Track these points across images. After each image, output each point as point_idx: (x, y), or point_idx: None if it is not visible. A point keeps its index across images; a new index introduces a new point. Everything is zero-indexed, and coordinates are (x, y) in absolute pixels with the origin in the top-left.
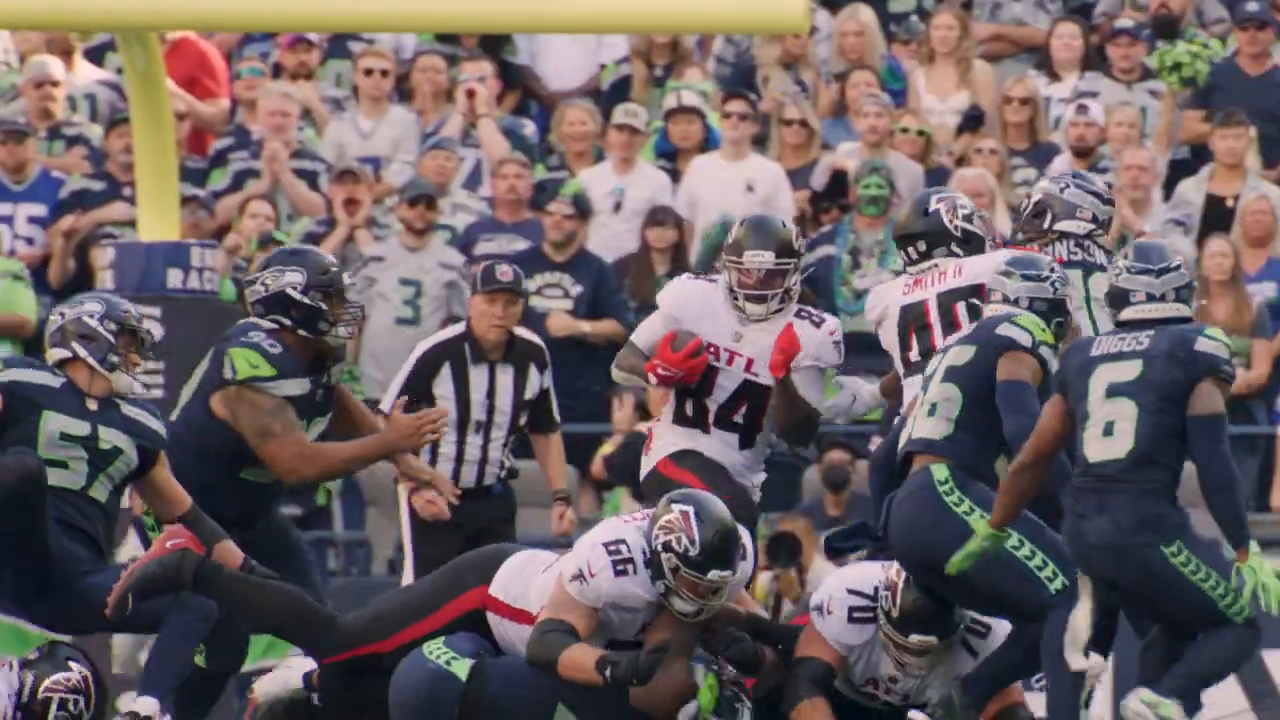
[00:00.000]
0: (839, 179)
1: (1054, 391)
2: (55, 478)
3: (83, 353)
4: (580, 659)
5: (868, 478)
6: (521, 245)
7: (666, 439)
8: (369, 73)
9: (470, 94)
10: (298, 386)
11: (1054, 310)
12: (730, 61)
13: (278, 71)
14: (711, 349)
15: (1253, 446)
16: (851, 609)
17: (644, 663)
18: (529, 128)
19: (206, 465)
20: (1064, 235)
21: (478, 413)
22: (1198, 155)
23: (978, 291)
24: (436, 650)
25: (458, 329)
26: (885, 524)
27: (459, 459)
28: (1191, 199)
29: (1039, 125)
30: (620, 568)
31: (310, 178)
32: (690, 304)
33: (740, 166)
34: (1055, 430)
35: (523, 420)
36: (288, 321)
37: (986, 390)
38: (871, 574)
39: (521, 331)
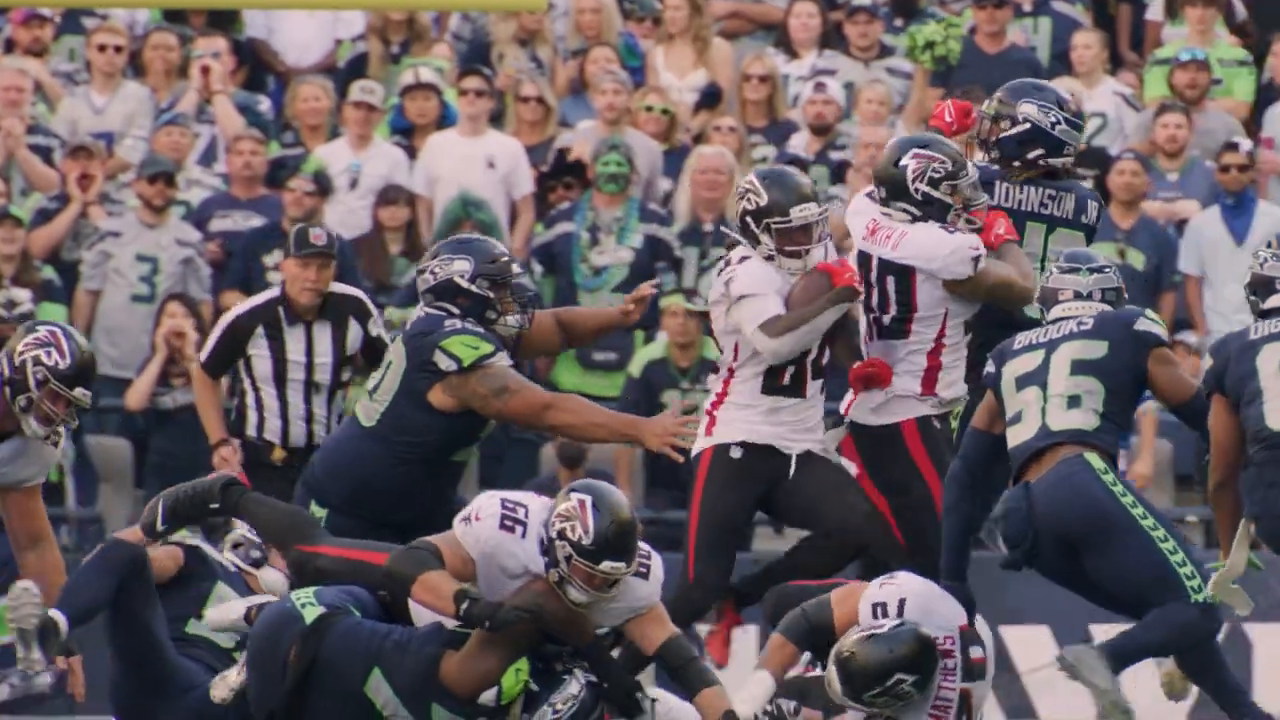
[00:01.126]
0: (563, 157)
1: (1208, 393)
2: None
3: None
4: (440, 584)
5: (944, 519)
6: (258, 221)
7: (735, 421)
8: (102, 49)
9: (205, 70)
10: (507, 358)
11: (1119, 298)
12: (467, 38)
13: (10, 47)
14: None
15: None
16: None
17: (504, 613)
18: (264, 104)
19: (419, 460)
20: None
21: (295, 372)
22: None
23: (907, 273)
24: (303, 593)
25: (272, 293)
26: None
27: (284, 416)
28: None
29: (777, 103)
30: (508, 523)
31: (44, 153)
32: (769, 280)
33: (479, 143)
34: (1233, 436)
35: (347, 375)
36: (455, 310)
37: (1129, 384)
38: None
39: (337, 287)
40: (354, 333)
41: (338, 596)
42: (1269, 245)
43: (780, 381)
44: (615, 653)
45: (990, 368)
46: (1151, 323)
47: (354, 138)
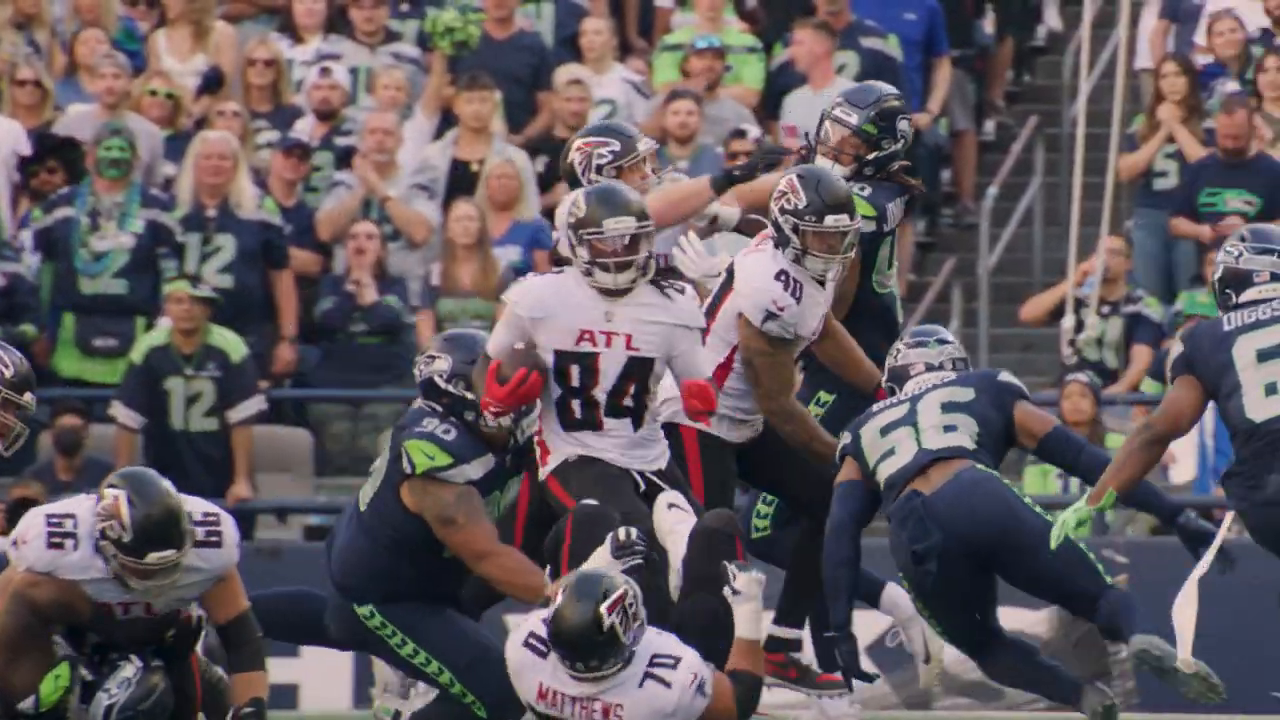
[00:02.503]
0: (46, 142)
1: (1179, 373)
2: None
3: None
4: None
5: (832, 572)
6: None
7: (559, 449)
8: None
9: None
10: (482, 466)
11: (966, 367)
12: None
13: None
14: (587, 336)
15: None
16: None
17: None
18: None
19: (405, 554)
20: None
21: None
22: (445, 119)
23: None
24: None
25: None
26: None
27: None
28: (437, 163)
29: (282, 87)
30: (55, 539)
31: None
32: (546, 301)
33: None
34: (1189, 409)
35: None
36: (439, 408)
37: (998, 429)
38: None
39: None
40: None
41: None
42: (1241, 238)
43: (572, 415)
44: None
45: (846, 439)
46: (1012, 377)
47: None
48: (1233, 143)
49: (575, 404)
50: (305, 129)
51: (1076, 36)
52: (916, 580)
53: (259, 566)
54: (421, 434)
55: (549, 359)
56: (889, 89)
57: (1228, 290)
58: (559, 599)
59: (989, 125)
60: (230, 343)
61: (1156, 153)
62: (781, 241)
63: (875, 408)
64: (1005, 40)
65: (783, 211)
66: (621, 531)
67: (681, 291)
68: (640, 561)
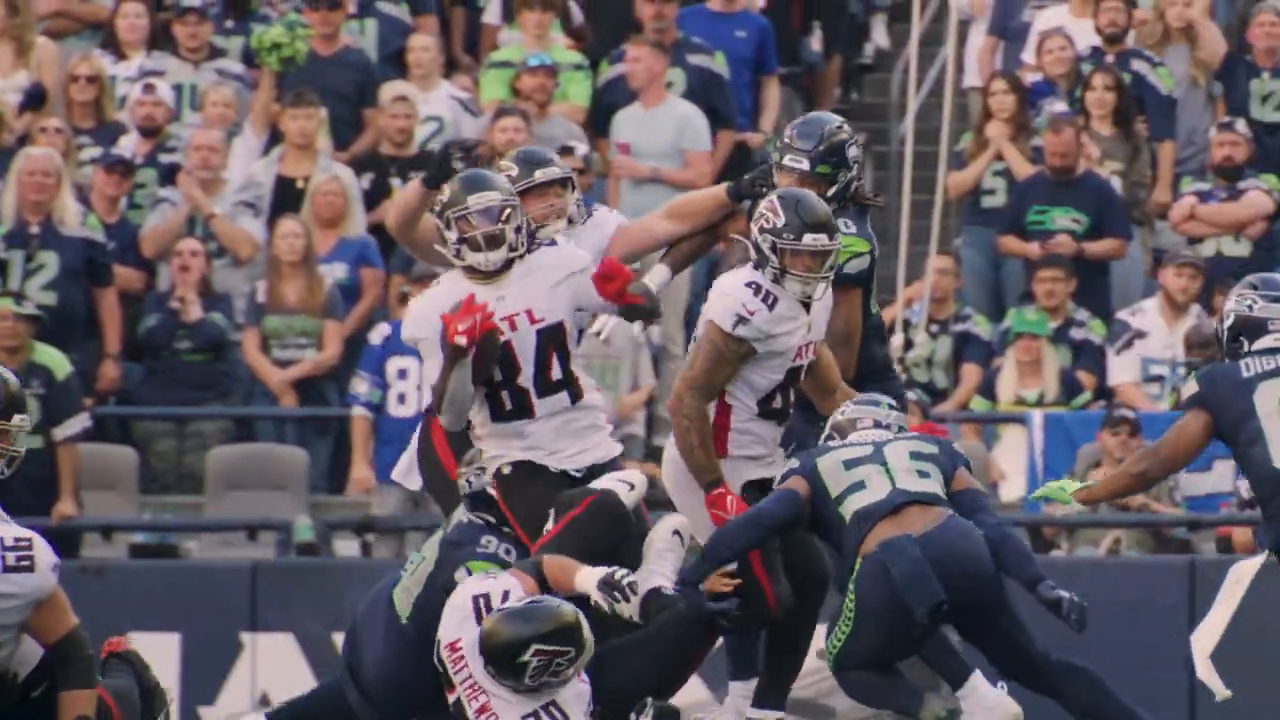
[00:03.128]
0: None
1: (1192, 407)
2: None
3: None
4: None
5: (724, 539)
6: None
7: (494, 451)
8: None
9: None
10: None
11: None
12: None
13: None
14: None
15: (324, 429)
16: None
17: None
18: None
19: None
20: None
21: None
22: (274, 136)
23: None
24: None
25: None
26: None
27: None
28: (261, 180)
29: (105, 104)
30: None
31: None
32: (434, 315)
33: None
34: (1190, 446)
35: None
36: (491, 519)
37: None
38: None
39: None
40: None
41: None
42: (1252, 286)
43: (504, 408)
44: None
45: (795, 463)
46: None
47: None
48: (1060, 161)
49: (504, 395)
50: (129, 145)
51: (904, 54)
52: (892, 620)
53: (84, 584)
54: (486, 556)
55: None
56: (829, 119)
57: (1240, 338)
58: (493, 620)
59: None
60: (54, 360)
61: (985, 171)
62: (761, 261)
63: (830, 444)
64: (833, 58)
65: (762, 231)
66: (620, 573)
67: (553, 243)
68: (610, 608)
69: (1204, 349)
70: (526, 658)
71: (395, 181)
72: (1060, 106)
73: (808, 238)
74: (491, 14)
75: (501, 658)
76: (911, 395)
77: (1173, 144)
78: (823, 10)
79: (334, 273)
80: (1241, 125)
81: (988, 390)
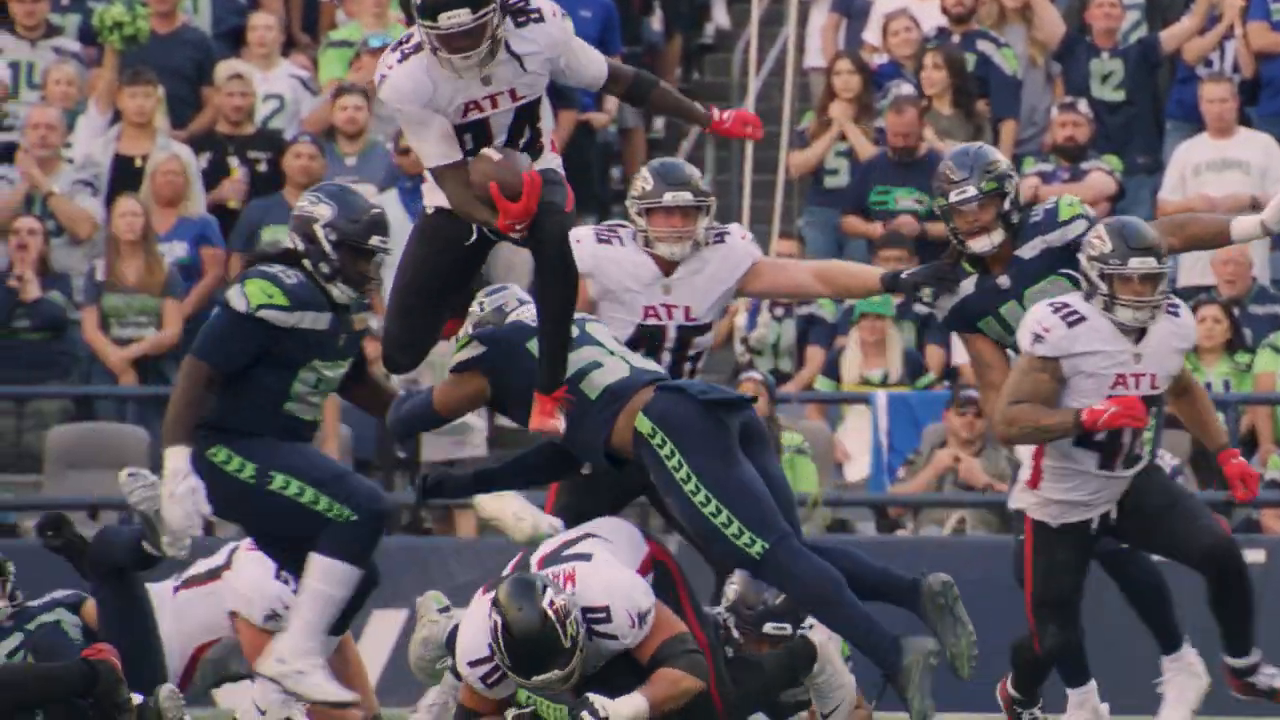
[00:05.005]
0: None
1: None
2: None
3: None
4: None
5: None
6: None
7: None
8: None
9: None
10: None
11: None
12: None
13: None
14: (473, 106)
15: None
16: None
17: None
18: None
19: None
20: None
21: None
22: (118, 114)
23: None
24: None
25: None
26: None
27: None
28: (100, 159)
29: None
30: None
31: None
32: (418, 87)
33: None
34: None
35: None
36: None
37: None
38: None
39: None
40: None
41: None
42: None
43: None
44: None
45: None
46: None
47: None
48: (902, 141)
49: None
50: None
51: (745, 34)
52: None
53: None
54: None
55: (450, 135)
56: (961, 149)
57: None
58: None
59: (658, 123)
60: None
61: (827, 151)
62: (1090, 290)
63: None
64: (674, 38)
65: (1090, 259)
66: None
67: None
68: None
69: None
70: None
71: (233, 160)
72: (907, 89)
73: (1134, 261)
74: None
75: None
76: (756, 374)
77: (1014, 123)
78: None
79: (174, 251)
80: (1084, 105)
81: (832, 371)
